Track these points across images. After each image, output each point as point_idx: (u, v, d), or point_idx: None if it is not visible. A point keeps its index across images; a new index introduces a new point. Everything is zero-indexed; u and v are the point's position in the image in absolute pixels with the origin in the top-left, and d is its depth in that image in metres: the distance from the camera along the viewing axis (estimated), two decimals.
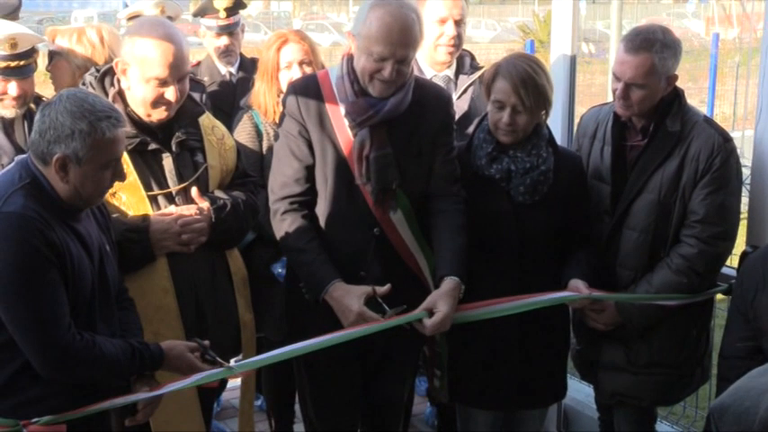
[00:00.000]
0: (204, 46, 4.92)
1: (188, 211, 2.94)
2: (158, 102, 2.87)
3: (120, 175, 2.52)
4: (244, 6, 4.89)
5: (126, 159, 2.83)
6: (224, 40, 4.71)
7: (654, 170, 3.13)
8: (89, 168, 2.39)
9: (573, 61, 4.02)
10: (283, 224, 2.99)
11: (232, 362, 2.68)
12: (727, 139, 3.12)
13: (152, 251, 2.89)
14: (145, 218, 2.90)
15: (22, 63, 3.24)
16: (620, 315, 3.20)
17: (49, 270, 2.33)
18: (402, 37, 2.78)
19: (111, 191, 2.67)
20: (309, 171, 2.98)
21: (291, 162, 2.97)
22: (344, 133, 2.94)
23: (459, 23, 3.62)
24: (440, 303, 2.86)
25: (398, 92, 2.90)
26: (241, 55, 4.80)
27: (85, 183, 2.42)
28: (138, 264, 2.89)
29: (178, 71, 2.85)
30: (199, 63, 4.80)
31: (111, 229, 2.72)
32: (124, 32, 3.09)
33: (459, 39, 3.64)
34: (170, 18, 4.35)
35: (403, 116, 2.94)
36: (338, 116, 2.94)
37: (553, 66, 4.04)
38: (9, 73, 3.22)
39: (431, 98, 3.05)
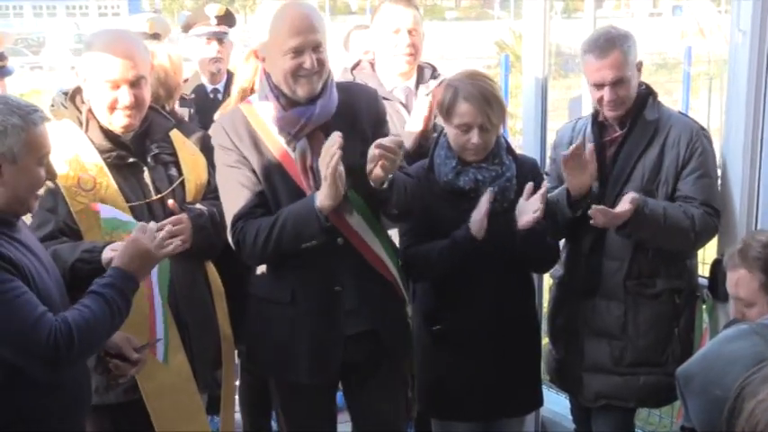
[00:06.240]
0: (192, 60, 4.88)
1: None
2: (114, 106, 2.85)
3: (52, 172, 2.49)
4: (233, 22, 4.87)
5: (105, 172, 2.84)
6: (214, 47, 4.69)
7: (636, 161, 3.24)
8: (24, 164, 2.37)
9: (545, 75, 4.06)
10: (244, 232, 2.87)
11: None
12: (703, 128, 3.30)
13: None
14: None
15: None
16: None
17: (13, 280, 2.30)
18: (308, 23, 2.82)
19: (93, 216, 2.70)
20: (261, 197, 2.92)
21: (243, 192, 2.91)
22: (282, 151, 2.92)
23: (412, 32, 3.63)
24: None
25: (323, 93, 2.90)
26: (228, 72, 4.78)
27: (21, 181, 2.38)
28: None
29: (128, 72, 2.82)
30: (186, 80, 4.74)
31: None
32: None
33: (414, 47, 3.65)
34: (158, 35, 4.27)
35: (337, 119, 2.92)
36: (271, 137, 2.92)
37: (525, 81, 4.07)
38: None
39: (359, 97, 3.06)
